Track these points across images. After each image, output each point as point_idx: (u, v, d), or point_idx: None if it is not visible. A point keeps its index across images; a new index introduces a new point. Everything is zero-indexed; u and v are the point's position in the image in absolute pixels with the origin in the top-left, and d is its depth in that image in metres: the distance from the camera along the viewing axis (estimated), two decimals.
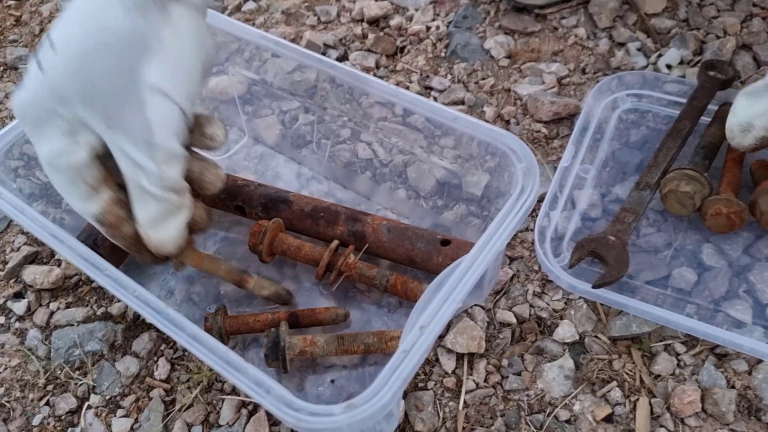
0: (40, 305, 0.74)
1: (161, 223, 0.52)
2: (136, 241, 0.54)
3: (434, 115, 0.63)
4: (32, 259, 0.77)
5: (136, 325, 0.71)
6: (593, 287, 0.63)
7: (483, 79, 0.89)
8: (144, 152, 0.48)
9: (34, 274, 0.74)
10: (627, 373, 0.63)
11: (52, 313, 0.73)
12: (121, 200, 0.53)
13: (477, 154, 0.72)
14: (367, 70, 0.92)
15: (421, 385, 0.64)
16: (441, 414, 0.62)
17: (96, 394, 0.67)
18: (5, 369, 0.69)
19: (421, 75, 0.91)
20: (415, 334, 0.48)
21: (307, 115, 0.84)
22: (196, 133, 0.54)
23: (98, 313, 0.72)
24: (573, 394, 0.62)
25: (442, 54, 0.93)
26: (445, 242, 0.66)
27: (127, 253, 0.73)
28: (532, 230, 0.73)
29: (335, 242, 0.68)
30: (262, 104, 0.86)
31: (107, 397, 0.66)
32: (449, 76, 0.90)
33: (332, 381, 0.64)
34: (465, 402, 0.62)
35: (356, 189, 0.80)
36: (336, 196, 0.79)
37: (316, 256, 0.67)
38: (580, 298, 0.68)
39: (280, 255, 0.70)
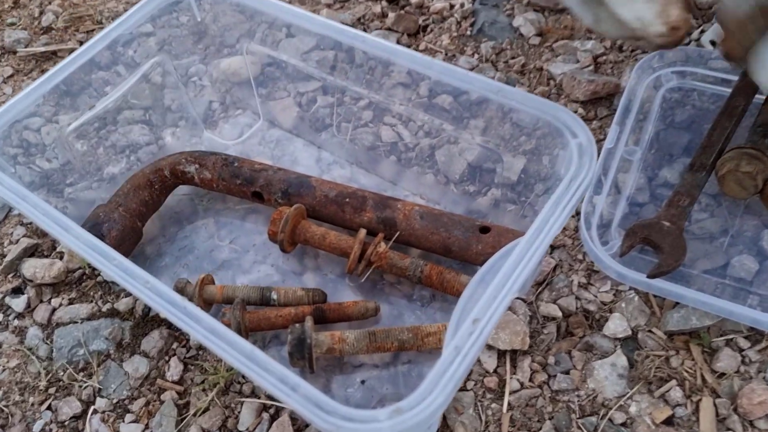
0: (41, 301, 0.68)
1: None
2: None
3: (473, 87, 0.58)
4: (32, 252, 0.72)
5: (145, 321, 0.65)
6: (648, 277, 0.57)
7: (513, 58, 0.83)
8: None
9: (34, 267, 0.68)
10: (687, 371, 0.57)
11: (53, 310, 0.67)
12: None
13: (510, 135, 0.66)
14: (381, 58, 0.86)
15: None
16: (483, 417, 0.56)
17: (102, 397, 0.61)
18: (3, 370, 0.63)
19: (446, 55, 0.85)
20: (467, 328, 0.42)
21: (326, 97, 0.78)
22: None
23: (104, 309, 0.66)
24: (628, 395, 0.56)
25: (468, 32, 0.87)
26: (485, 229, 0.60)
27: (135, 243, 0.68)
28: (575, 216, 0.68)
29: (363, 231, 0.62)
30: (277, 86, 0.80)
31: (114, 401, 0.61)
32: (476, 56, 0.84)
33: (363, 382, 0.58)
34: (509, 404, 0.57)
35: (381, 174, 0.74)
36: (359, 181, 0.73)
37: (343, 244, 0.62)
38: (630, 289, 0.62)
39: (302, 244, 0.65)
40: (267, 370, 0.42)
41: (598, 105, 0.77)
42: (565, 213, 0.48)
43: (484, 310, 0.43)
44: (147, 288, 0.47)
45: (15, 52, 0.92)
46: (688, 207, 0.61)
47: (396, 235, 0.62)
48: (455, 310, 0.46)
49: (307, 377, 0.59)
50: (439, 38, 0.87)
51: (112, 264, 0.49)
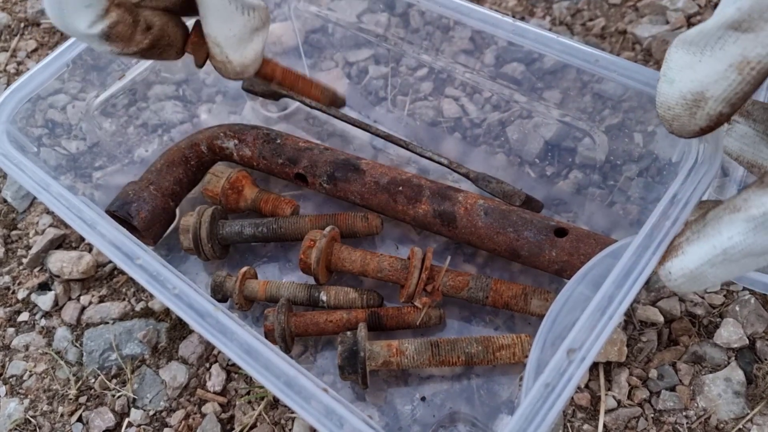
0: (69, 299, 0.62)
1: (246, 42, 0.44)
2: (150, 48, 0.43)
3: (566, 55, 0.48)
4: (59, 244, 0.65)
5: (183, 323, 0.58)
6: None
7: (591, 20, 0.73)
8: None
9: (60, 261, 0.62)
10: None
11: (83, 309, 0.61)
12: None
13: (593, 108, 0.57)
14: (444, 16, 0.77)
15: None
16: None
17: (137, 408, 0.54)
18: (30, 376, 0.58)
19: (513, 18, 0.75)
20: (560, 360, 0.33)
21: (379, 67, 0.69)
22: None
23: (137, 308, 0.60)
24: (748, 417, 0.48)
25: None
26: (561, 232, 0.51)
27: (167, 226, 0.61)
28: None
29: (418, 254, 0.52)
30: (323, 55, 0.72)
31: (151, 413, 0.54)
32: (548, 18, 0.74)
33: (423, 399, 0.51)
34: (605, 425, 0.48)
35: (444, 154, 0.65)
36: (419, 163, 0.65)
37: (386, 270, 0.53)
38: (744, 289, 0.53)
39: (339, 272, 0.56)
40: (308, 401, 0.35)
41: None
42: (684, 213, 0.38)
43: (583, 337, 0.34)
44: (174, 296, 0.39)
45: (38, 24, 0.85)
46: None
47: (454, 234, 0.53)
48: (540, 329, 0.37)
49: (365, 391, 0.51)
50: None
51: (135, 264, 0.42)
